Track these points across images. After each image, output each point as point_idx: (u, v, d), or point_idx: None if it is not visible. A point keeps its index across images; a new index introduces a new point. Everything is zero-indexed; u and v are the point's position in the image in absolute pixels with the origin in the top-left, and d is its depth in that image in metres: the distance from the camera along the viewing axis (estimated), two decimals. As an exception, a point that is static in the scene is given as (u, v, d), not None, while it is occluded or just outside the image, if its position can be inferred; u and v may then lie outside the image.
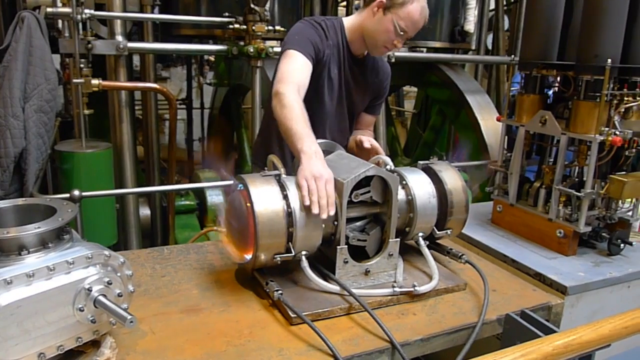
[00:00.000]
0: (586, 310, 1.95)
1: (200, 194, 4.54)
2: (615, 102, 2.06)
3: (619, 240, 2.16)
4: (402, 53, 4.79)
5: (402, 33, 2.29)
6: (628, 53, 2.08)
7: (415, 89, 7.53)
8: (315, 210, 1.63)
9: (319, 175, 1.67)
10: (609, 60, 1.95)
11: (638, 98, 2.08)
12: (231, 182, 1.84)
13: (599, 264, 2.10)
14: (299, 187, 1.68)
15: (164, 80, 9.07)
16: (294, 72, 2.16)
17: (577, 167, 2.24)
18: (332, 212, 1.66)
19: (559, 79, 2.28)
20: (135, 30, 4.72)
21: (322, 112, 2.43)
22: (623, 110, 2.06)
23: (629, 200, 2.20)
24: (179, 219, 4.35)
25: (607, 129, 2.02)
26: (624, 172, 2.13)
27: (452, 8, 4.84)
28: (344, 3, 5.80)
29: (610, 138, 1.99)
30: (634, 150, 2.10)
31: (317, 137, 1.96)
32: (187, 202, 4.50)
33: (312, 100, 2.31)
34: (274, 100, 2.06)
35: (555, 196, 2.17)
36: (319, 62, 2.30)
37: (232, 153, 6.43)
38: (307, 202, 1.64)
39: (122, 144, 3.63)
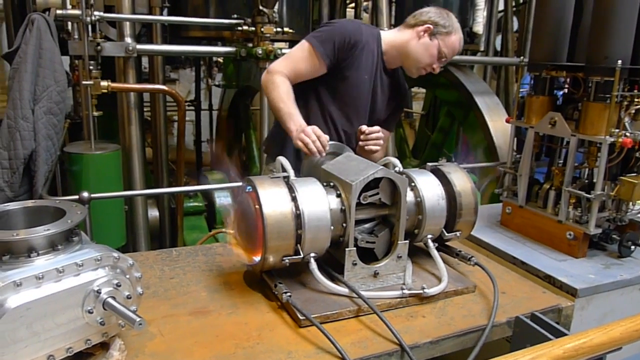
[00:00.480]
0: (597, 313, 1.93)
1: (208, 195, 4.55)
2: (625, 103, 2.04)
3: (629, 242, 2.14)
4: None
5: (443, 59, 2.48)
6: (638, 54, 2.07)
7: (424, 90, 7.50)
8: (316, 155, 2.07)
9: (303, 129, 2.12)
10: (619, 62, 1.93)
11: (649, 99, 2.06)
12: (239, 183, 1.87)
13: (609, 266, 2.08)
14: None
15: (172, 82, 9.11)
16: (297, 61, 2.38)
17: (587, 169, 2.22)
18: (325, 150, 2.08)
19: (568, 80, 2.27)
20: (144, 32, 4.75)
21: (344, 111, 2.51)
22: (634, 111, 2.04)
23: (640, 202, 2.19)
24: (187, 221, 4.37)
25: (617, 130, 2.00)
26: (634, 174, 2.11)
27: (461, 9, 4.82)
28: (352, 5, 5.80)
29: (620, 140, 1.97)
30: (644, 151, 2.08)
31: (340, 132, 2.53)
32: (196, 204, 4.52)
33: (337, 99, 2.47)
34: (266, 75, 2.38)
35: (565, 198, 2.16)
36: (342, 63, 2.39)
37: (241, 154, 6.44)
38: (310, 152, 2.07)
39: (130, 146, 3.64)
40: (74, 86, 4.18)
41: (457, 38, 2.47)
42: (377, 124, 2.56)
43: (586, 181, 2.19)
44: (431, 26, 2.43)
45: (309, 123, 2.22)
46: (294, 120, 2.23)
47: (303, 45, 2.39)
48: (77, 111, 5.11)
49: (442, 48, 2.44)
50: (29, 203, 1.45)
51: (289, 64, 2.38)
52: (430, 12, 2.47)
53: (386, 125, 2.68)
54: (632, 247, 2.15)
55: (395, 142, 5.21)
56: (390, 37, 2.54)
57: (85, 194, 2.65)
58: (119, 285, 1.30)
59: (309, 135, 2.09)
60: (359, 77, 2.45)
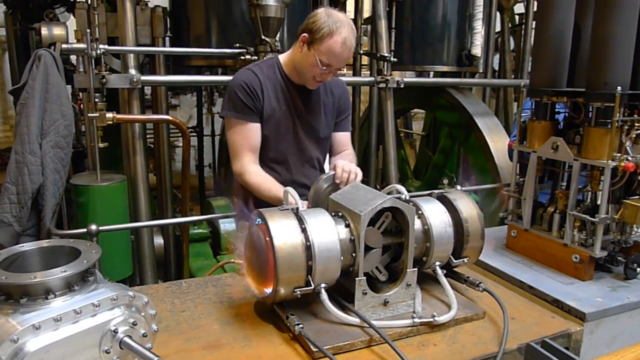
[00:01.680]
0: (606, 336, 1.93)
1: (212, 221, 4.56)
2: (626, 127, 2.07)
3: (635, 264, 2.16)
4: (410, 79, 4.86)
5: (324, 68, 2.33)
6: (638, 79, 2.11)
7: (424, 111, 7.57)
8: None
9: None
10: (619, 88, 1.97)
11: (649, 123, 2.10)
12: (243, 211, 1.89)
13: (616, 289, 2.09)
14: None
15: (173, 108, 9.20)
16: (243, 142, 2.43)
17: (590, 192, 2.24)
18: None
19: (569, 105, 2.30)
20: (147, 61, 4.82)
21: (284, 148, 2.52)
22: (634, 136, 2.07)
23: (644, 223, 2.20)
24: (192, 248, 4.38)
25: (619, 154, 2.03)
26: (637, 197, 2.14)
27: (459, 33, 4.90)
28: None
29: (622, 164, 2.00)
30: (646, 174, 2.11)
31: (285, 173, 2.54)
32: (200, 231, 4.53)
33: (272, 142, 2.49)
34: (240, 179, 2.45)
35: (570, 221, 2.18)
36: (260, 110, 2.43)
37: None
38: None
39: (136, 176, 3.67)
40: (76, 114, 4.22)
41: (334, 41, 2.26)
42: (327, 135, 2.63)
43: (590, 204, 2.21)
44: (306, 35, 2.33)
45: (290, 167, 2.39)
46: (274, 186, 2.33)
47: (229, 124, 2.46)
48: (79, 139, 5.16)
49: (319, 56, 2.30)
50: (44, 243, 1.46)
51: (243, 149, 2.44)
52: (309, 19, 2.37)
53: (340, 128, 2.69)
54: (638, 269, 2.16)
55: (397, 163, 5.24)
56: (285, 58, 2.51)
57: (94, 227, 2.67)
58: (135, 324, 1.31)
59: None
60: (279, 112, 2.47)
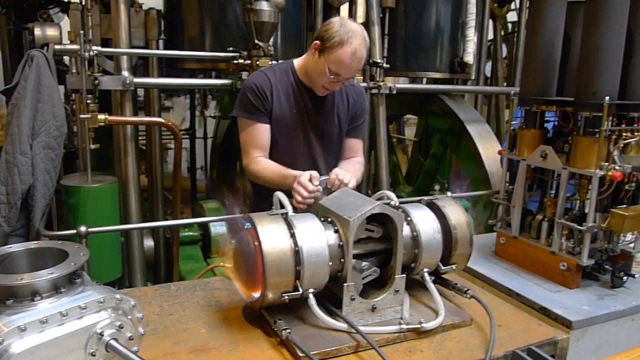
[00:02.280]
0: (592, 345, 1.95)
1: (203, 224, 4.55)
2: (614, 137, 2.10)
3: (621, 273, 2.18)
4: (403, 85, 4.89)
5: (332, 77, 2.34)
6: (625, 89, 2.14)
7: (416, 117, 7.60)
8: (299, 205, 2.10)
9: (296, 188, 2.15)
10: (607, 98, 1.99)
11: (636, 133, 2.13)
12: (234, 214, 1.90)
13: (602, 297, 2.11)
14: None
15: (166, 110, 9.18)
16: (251, 141, 2.48)
17: (578, 201, 2.27)
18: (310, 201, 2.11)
19: (558, 114, 2.33)
20: (141, 63, 4.81)
21: (294, 151, 2.54)
22: (622, 145, 2.10)
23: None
24: (182, 250, 4.36)
25: (606, 163, 2.05)
26: (624, 205, 2.16)
27: (452, 40, 4.94)
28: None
29: (610, 173, 2.03)
30: (633, 184, 2.13)
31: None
32: (191, 233, 4.52)
33: (282, 144, 2.53)
34: (247, 170, 2.52)
35: (558, 230, 2.20)
36: (270, 112, 2.46)
37: (235, 182, 6.46)
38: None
39: (127, 178, 3.66)
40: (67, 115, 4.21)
41: (343, 51, 2.26)
42: (339, 139, 2.64)
43: (578, 213, 2.23)
44: (318, 42, 2.33)
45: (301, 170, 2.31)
46: (288, 176, 2.29)
47: (240, 124, 2.52)
48: (71, 140, 5.14)
49: (328, 65, 2.30)
50: (32, 245, 1.46)
51: (251, 147, 2.49)
52: (323, 26, 2.37)
53: (353, 134, 2.69)
54: (625, 277, 2.18)
55: (388, 168, 5.26)
56: (299, 63, 2.53)
57: (83, 229, 2.66)
58: (122, 327, 1.31)
59: (300, 191, 2.14)
60: (290, 115, 2.50)
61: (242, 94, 2.50)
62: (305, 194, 2.12)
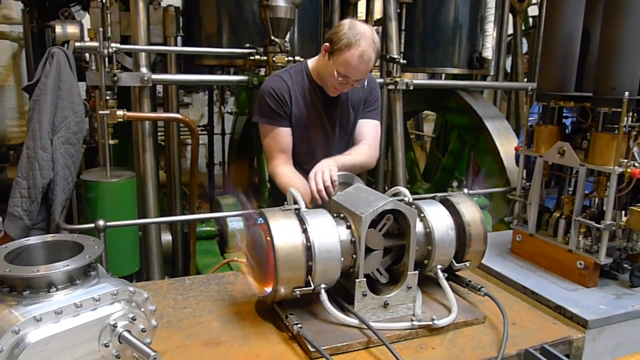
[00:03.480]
0: (608, 344, 1.92)
1: (220, 219, 4.58)
2: (634, 133, 2.06)
3: (641, 272, 2.14)
4: (420, 80, 4.85)
5: (340, 79, 2.33)
6: (645, 85, 2.09)
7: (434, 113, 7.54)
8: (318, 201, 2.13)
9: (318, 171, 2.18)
10: (627, 93, 1.95)
11: (657, 129, 2.08)
12: (251, 210, 1.91)
13: (620, 296, 2.08)
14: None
15: (185, 106, 9.26)
16: (274, 145, 2.50)
17: (596, 198, 2.23)
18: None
19: (576, 109, 2.29)
20: (159, 60, 4.86)
21: (314, 149, 2.55)
22: (642, 141, 2.06)
23: (651, 231, 2.18)
24: (199, 245, 4.40)
25: (626, 160, 2.02)
26: (644, 203, 2.12)
27: (470, 35, 4.88)
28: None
29: (629, 170, 1.99)
30: (654, 181, 2.09)
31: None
32: (208, 228, 4.56)
33: (303, 144, 2.55)
34: (273, 177, 2.53)
35: (575, 227, 2.17)
36: (290, 115, 2.48)
37: (252, 178, 6.50)
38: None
39: (145, 173, 3.70)
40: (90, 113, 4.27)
41: (351, 54, 2.25)
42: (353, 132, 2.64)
43: (596, 210, 2.20)
44: (327, 44, 2.34)
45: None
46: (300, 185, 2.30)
47: (262, 130, 2.54)
48: (92, 136, 5.22)
49: (337, 67, 2.30)
50: (48, 237, 1.49)
51: (275, 152, 2.51)
52: (333, 28, 2.38)
53: (365, 117, 2.65)
54: (644, 276, 2.14)
55: (406, 165, 5.24)
56: (313, 63, 2.53)
57: (101, 222, 2.70)
58: (134, 319, 1.33)
59: (318, 183, 2.17)
60: (308, 115, 2.51)
61: (260, 100, 2.51)
62: (320, 184, 2.15)
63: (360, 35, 2.26)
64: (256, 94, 5.24)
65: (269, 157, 2.56)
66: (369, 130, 2.66)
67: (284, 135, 2.50)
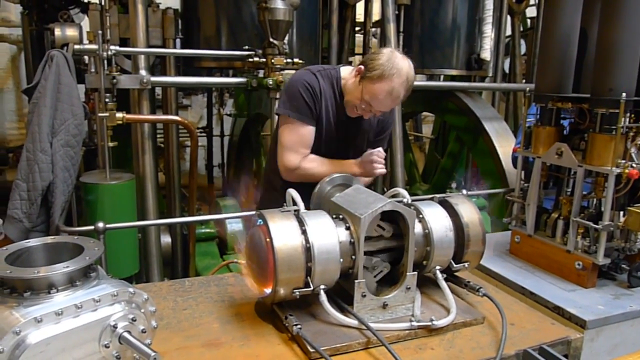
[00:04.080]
0: (606, 345, 1.93)
1: (220, 221, 4.60)
2: (631, 134, 2.07)
3: (639, 272, 2.15)
4: (418, 82, 4.86)
5: (363, 106, 2.32)
6: (643, 86, 2.10)
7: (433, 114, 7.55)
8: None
9: (372, 159, 2.37)
10: (624, 94, 1.96)
11: (654, 130, 2.09)
12: (250, 212, 1.92)
13: (619, 297, 2.08)
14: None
15: (184, 108, 9.27)
16: (300, 140, 2.42)
17: (594, 199, 2.24)
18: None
19: (574, 110, 2.30)
20: (158, 62, 4.87)
21: (327, 157, 2.50)
22: (639, 142, 2.06)
23: (649, 231, 2.19)
24: (199, 247, 4.42)
25: (623, 161, 2.02)
26: (642, 204, 2.13)
27: (469, 37, 4.90)
28: (362, 32, 5.90)
29: (627, 171, 2.00)
30: (651, 182, 2.10)
31: None
32: (207, 230, 4.57)
33: (319, 149, 2.48)
34: (291, 173, 2.44)
35: (573, 228, 2.17)
36: (317, 114, 2.42)
37: (251, 180, 6.51)
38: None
39: (144, 175, 3.72)
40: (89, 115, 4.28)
41: (381, 87, 2.23)
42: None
43: (594, 211, 2.20)
44: (362, 67, 2.31)
45: None
46: (347, 167, 2.42)
47: (287, 122, 2.42)
48: (92, 138, 5.23)
49: (363, 93, 2.29)
50: (48, 239, 1.50)
51: (300, 146, 2.42)
52: (373, 53, 2.37)
53: (376, 145, 2.60)
54: (642, 276, 2.15)
55: (405, 166, 5.25)
56: (345, 74, 2.48)
57: (101, 225, 2.71)
58: (135, 320, 1.34)
59: (380, 159, 2.39)
60: (329, 124, 2.46)
61: (292, 92, 2.41)
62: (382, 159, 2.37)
63: (396, 70, 2.23)
64: (255, 96, 5.28)
65: (291, 150, 2.42)
66: None
67: (310, 133, 2.42)
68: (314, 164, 2.44)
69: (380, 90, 2.25)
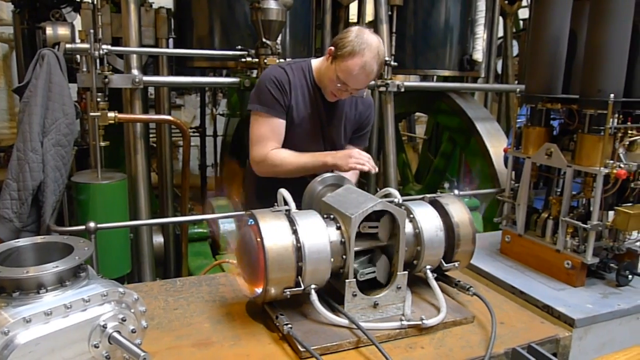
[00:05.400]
0: (595, 343, 1.95)
1: (213, 221, 4.59)
2: (619, 135, 2.09)
3: (627, 271, 2.17)
4: (411, 82, 4.89)
5: (339, 85, 2.33)
6: (631, 87, 2.12)
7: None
8: (372, 169, 2.30)
9: (350, 153, 2.32)
10: (612, 95, 1.98)
11: (642, 131, 2.11)
12: (243, 212, 1.93)
13: (607, 296, 2.10)
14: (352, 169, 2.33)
15: (178, 108, 9.25)
16: (269, 134, 2.43)
17: (583, 199, 2.25)
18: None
19: (563, 111, 2.32)
20: (151, 62, 4.86)
21: (304, 151, 2.50)
22: (628, 143, 2.08)
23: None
24: (191, 247, 4.41)
25: (611, 161, 2.04)
26: (630, 204, 2.15)
27: (461, 38, 4.92)
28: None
29: (615, 171, 2.01)
30: (639, 182, 2.12)
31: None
32: (200, 230, 4.56)
33: (295, 142, 2.50)
34: (261, 165, 2.47)
35: (563, 227, 2.19)
36: (287, 107, 2.44)
37: (244, 179, 6.50)
38: (366, 169, 2.29)
39: (136, 175, 3.71)
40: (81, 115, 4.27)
41: (354, 62, 2.25)
42: (342, 147, 2.62)
43: (583, 211, 2.22)
44: (332, 48, 2.33)
45: None
46: (320, 156, 2.40)
47: (256, 117, 2.46)
48: (84, 138, 5.21)
49: (338, 73, 2.30)
50: (38, 239, 1.50)
51: (268, 140, 2.45)
52: (341, 33, 2.38)
53: (356, 142, 2.70)
54: (630, 276, 2.17)
55: (398, 166, 5.27)
56: (317, 64, 2.51)
57: (92, 224, 2.70)
58: (124, 320, 1.34)
59: (361, 156, 2.32)
60: (304, 115, 2.49)
61: (260, 87, 2.46)
62: (365, 157, 2.31)
63: (365, 45, 2.25)
64: (248, 96, 5.25)
65: (260, 144, 2.46)
66: None
67: (280, 126, 2.45)
68: (282, 154, 2.44)
69: (353, 66, 2.26)
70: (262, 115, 2.44)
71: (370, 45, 2.26)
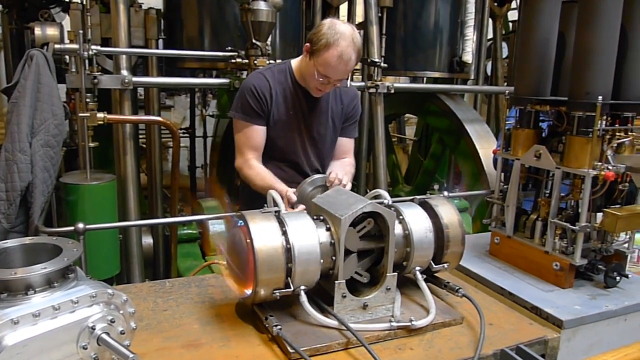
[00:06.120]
0: (583, 344, 1.96)
1: (202, 222, 4.57)
2: (607, 137, 2.10)
3: (615, 273, 2.18)
4: (400, 84, 4.90)
5: (321, 79, 2.35)
6: (619, 89, 2.14)
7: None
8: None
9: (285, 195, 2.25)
10: (600, 98, 2.00)
11: (630, 133, 2.13)
12: (232, 213, 1.94)
13: (595, 297, 2.11)
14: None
15: (168, 109, 9.22)
16: (247, 142, 2.50)
17: (572, 200, 2.27)
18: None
19: (552, 113, 2.33)
20: (141, 62, 4.84)
21: (291, 151, 2.58)
22: (616, 145, 2.10)
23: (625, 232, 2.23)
24: (181, 248, 4.39)
25: (600, 163, 2.06)
26: (618, 205, 2.17)
27: (450, 39, 4.95)
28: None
29: (603, 173, 2.03)
30: (627, 184, 2.14)
31: (292, 173, 2.58)
32: (190, 231, 4.54)
33: (281, 144, 2.56)
34: (241, 173, 2.57)
35: (551, 229, 2.20)
36: (268, 114, 2.49)
37: (234, 181, 6.49)
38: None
39: (126, 175, 3.69)
40: (70, 115, 4.23)
41: (330, 54, 2.27)
42: (333, 141, 2.67)
43: (571, 212, 2.24)
44: (308, 44, 2.36)
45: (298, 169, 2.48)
46: (277, 189, 2.34)
47: (236, 124, 2.55)
48: (73, 138, 5.17)
49: (317, 67, 2.32)
50: (27, 240, 1.48)
51: (246, 148, 2.53)
52: (314, 28, 2.40)
53: (346, 133, 2.73)
54: (618, 277, 2.18)
55: (388, 167, 5.28)
56: (297, 63, 2.54)
57: (81, 225, 2.68)
58: (113, 321, 1.33)
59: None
60: (287, 116, 2.53)
61: (240, 96, 2.51)
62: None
63: (339, 34, 2.26)
64: (238, 97, 5.23)
65: (239, 152, 2.57)
66: (350, 146, 2.76)
67: (258, 133, 2.51)
68: (252, 173, 2.51)
69: (330, 58, 2.28)
70: (241, 123, 2.52)
71: (343, 34, 2.28)
